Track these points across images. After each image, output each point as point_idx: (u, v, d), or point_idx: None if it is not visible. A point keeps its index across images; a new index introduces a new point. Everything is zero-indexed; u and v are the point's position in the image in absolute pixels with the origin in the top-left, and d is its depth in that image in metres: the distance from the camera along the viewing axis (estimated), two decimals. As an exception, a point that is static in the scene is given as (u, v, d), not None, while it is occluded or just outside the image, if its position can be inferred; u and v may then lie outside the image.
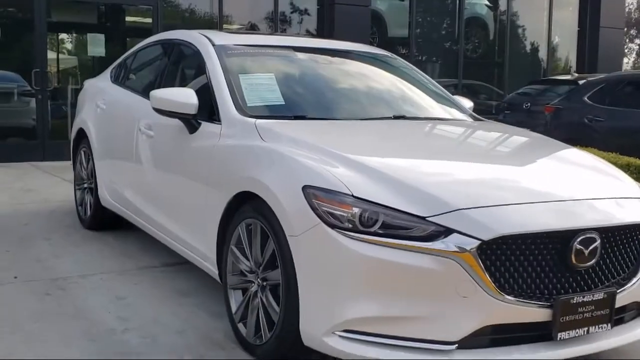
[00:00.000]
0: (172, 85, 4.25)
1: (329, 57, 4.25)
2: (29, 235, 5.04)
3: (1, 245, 4.74)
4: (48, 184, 7.28)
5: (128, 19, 11.08)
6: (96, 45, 9.80)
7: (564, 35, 14.63)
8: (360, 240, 2.56)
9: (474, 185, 2.80)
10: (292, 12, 11.42)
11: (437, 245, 2.51)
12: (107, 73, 5.47)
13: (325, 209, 2.64)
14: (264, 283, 2.97)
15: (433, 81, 4.44)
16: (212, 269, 3.40)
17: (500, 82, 13.84)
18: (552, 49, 14.48)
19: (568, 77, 12.13)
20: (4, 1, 9.67)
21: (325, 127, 3.50)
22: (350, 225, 2.59)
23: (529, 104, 11.11)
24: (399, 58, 4.59)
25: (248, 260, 3.08)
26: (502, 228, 2.53)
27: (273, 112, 3.58)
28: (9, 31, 9.44)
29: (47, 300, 3.70)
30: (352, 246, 2.56)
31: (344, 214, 2.60)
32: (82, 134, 5.37)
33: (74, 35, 10.90)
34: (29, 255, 4.54)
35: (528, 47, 14.53)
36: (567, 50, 14.86)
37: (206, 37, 4.10)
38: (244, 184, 3.09)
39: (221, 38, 4.14)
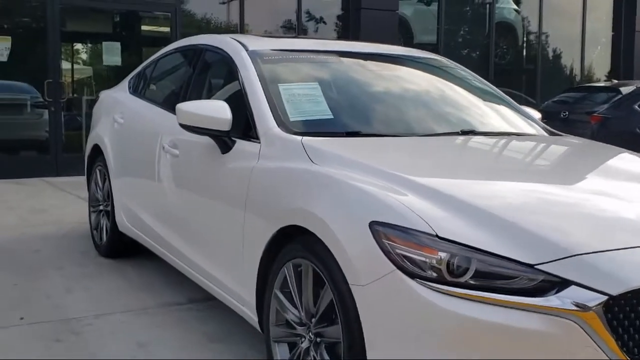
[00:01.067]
0: (199, 97, 3.74)
1: (378, 63, 3.71)
2: (39, 265, 4.53)
3: (9, 276, 4.24)
4: (61, 203, 6.79)
5: (145, 27, 10.61)
6: (112, 54, 9.31)
7: (598, 40, 14.01)
8: (448, 294, 2.01)
9: (589, 222, 2.24)
10: (315, 18, 10.91)
11: (549, 301, 1.97)
12: (124, 83, 4.96)
13: (401, 252, 2.10)
14: (318, 339, 2.43)
15: (496, 89, 3.88)
16: (251, 315, 2.86)
17: (532, 90, 13.23)
18: (585, 55, 13.85)
19: (607, 83, 11.52)
20: (16, 10, 9.24)
21: (385, 145, 2.96)
22: (434, 275, 2.04)
23: (566, 113, 10.52)
24: (456, 64, 4.04)
25: (297, 309, 2.54)
26: (635, 279, 1.97)
27: (320, 128, 3.05)
28: (22, 40, 8.99)
29: (57, 348, 3.17)
30: (437, 301, 2.01)
31: (427, 260, 2.06)
32: (97, 151, 4.87)
33: (89, 44, 10.45)
34: (39, 289, 4.03)
35: (560, 53, 13.91)
36: (601, 55, 14.22)
37: (238, 41, 3.58)
38: (291, 216, 2.55)
39: (255, 42, 3.62)
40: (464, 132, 3.20)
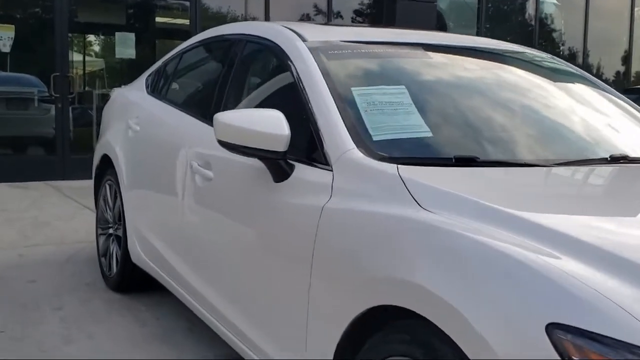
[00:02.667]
0: (238, 103, 2.89)
1: (481, 61, 2.84)
2: (35, 301, 3.70)
3: (-4, 319, 3.43)
4: (67, 214, 5.96)
5: (162, 18, 9.76)
6: (125, 45, 8.45)
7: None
8: None
9: None
10: (347, 9, 10.04)
11: None
12: (141, 81, 4.10)
13: (611, 383, 1.24)
14: None
15: (626, 98, 2.99)
16: (319, 417, 2.01)
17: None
18: (633, 55, 12.89)
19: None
20: (23, -2, 8.45)
21: (519, 178, 2.07)
22: None
23: (621, 117, 9.60)
24: (578, 68, 3.14)
25: None
26: None
27: (416, 152, 2.19)
28: (27, 30, 8.19)
29: None
30: None
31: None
32: (107, 162, 4.03)
33: (100, 35, 9.62)
34: (30, 338, 3.20)
35: (606, 53, 12.93)
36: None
37: (292, 30, 2.71)
38: (389, 290, 1.71)
39: (315, 32, 2.76)
40: (614, 159, 2.31)
